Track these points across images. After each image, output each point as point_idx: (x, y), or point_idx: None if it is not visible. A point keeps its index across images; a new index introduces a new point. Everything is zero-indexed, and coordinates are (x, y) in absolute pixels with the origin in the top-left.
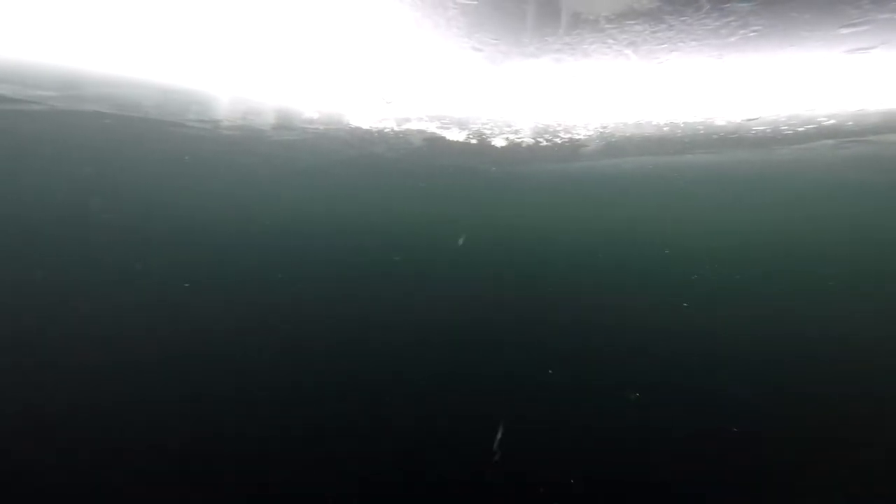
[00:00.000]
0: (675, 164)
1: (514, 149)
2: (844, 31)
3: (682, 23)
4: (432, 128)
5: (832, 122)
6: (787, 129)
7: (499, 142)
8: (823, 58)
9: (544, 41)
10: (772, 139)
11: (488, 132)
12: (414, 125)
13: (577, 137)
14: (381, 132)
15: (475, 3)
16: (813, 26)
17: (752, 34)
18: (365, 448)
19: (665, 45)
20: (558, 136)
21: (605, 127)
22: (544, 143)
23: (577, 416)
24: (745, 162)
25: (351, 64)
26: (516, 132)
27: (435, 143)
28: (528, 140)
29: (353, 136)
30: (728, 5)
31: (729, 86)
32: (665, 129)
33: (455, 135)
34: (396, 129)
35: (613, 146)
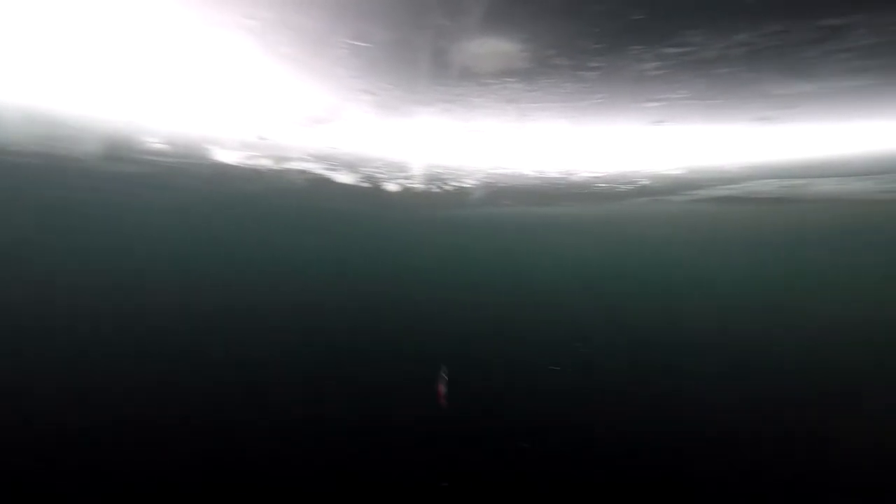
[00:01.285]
0: (541, 213)
1: (406, 195)
2: (650, 104)
3: (549, 84)
4: (318, 169)
5: (646, 182)
6: (619, 187)
7: (392, 186)
8: (638, 128)
9: (435, 90)
10: (609, 195)
11: (381, 176)
12: (295, 164)
13: (465, 186)
14: (255, 170)
15: (369, 45)
16: (631, 99)
17: (597, 101)
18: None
19: (536, 104)
20: (448, 184)
21: (489, 176)
22: (435, 189)
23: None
24: (591, 214)
25: (220, 95)
26: (409, 178)
27: (322, 185)
28: (420, 186)
29: (215, 173)
30: (581, 73)
31: (582, 145)
32: (535, 181)
33: (345, 177)
34: (275, 167)
35: (496, 195)
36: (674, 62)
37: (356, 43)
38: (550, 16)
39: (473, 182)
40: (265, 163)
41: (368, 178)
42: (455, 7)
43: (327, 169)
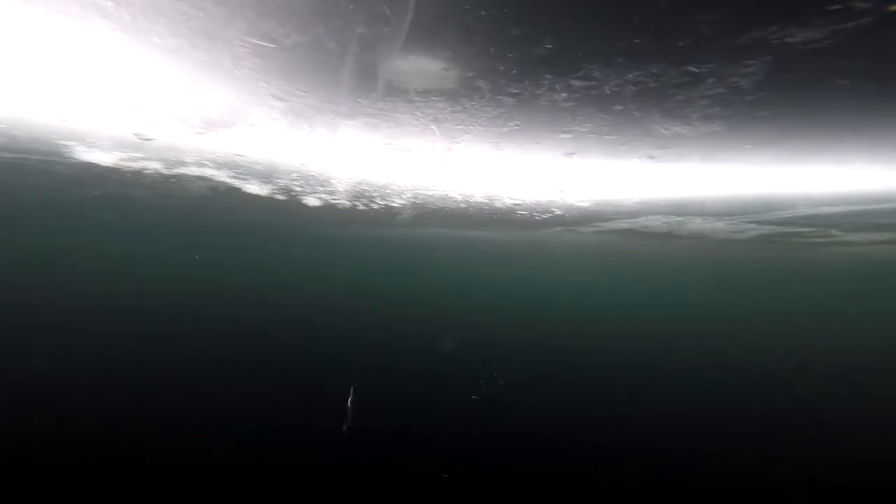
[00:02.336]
0: (468, 237)
1: (329, 210)
2: (563, 135)
3: (472, 107)
4: (221, 176)
5: (559, 212)
6: (537, 216)
7: (312, 201)
8: (552, 158)
9: (357, 103)
10: (528, 223)
11: (299, 189)
12: (192, 170)
13: (392, 205)
14: (137, 173)
15: (272, 46)
16: (546, 127)
17: (515, 127)
18: None
19: (461, 126)
20: (375, 202)
21: (416, 197)
22: (361, 207)
23: None
24: (514, 241)
25: (94, 91)
26: (331, 193)
27: (229, 195)
28: (344, 202)
29: (85, 174)
30: (500, 97)
31: (504, 172)
32: (461, 205)
33: (255, 188)
34: (165, 171)
35: (424, 217)
36: (579, 95)
37: (257, 42)
38: (469, 36)
39: (401, 202)
40: (153, 166)
41: (284, 189)
42: (371, 14)
43: (233, 178)
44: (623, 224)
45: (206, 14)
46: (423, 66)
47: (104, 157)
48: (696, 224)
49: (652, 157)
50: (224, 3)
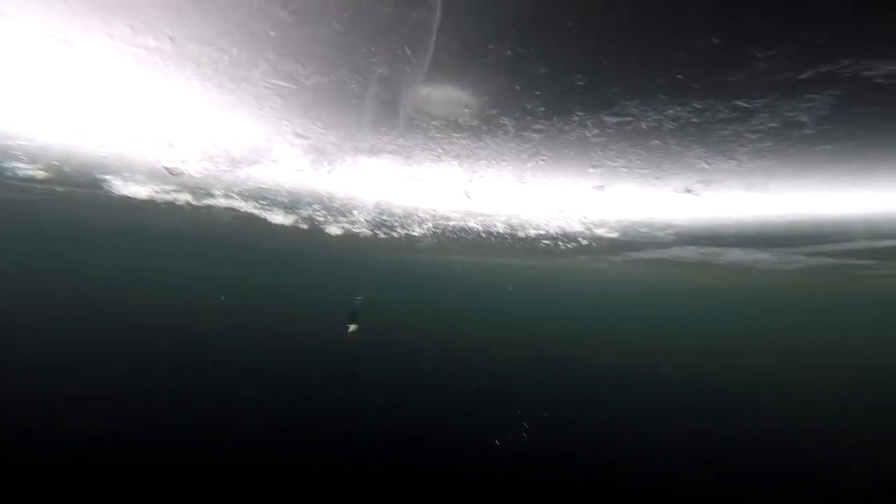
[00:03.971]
0: (486, 264)
1: (349, 238)
2: (592, 170)
3: (495, 143)
4: (248, 208)
5: (586, 242)
6: (562, 245)
7: (334, 230)
8: (582, 188)
9: (378, 140)
10: (552, 251)
11: (321, 219)
12: (221, 202)
13: (413, 234)
14: (171, 203)
15: (293, 87)
16: (574, 162)
17: (540, 162)
18: None
19: (483, 161)
20: (395, 231)
21: (436, 228)
22: (382, 235)
23: None
24: (534, 267)
25: (132, 128)
26: (352, 223)
27: (254, 224)
28: (365, 231)
29: (123, 204)
30: (526, 134)
31: (528, 202)
32: (483, 235)
33: (280, 218)
34: (194, 202)
35: (443, 246)
36: (613, 130)
37: (279, 83)
38: (493, 74)
39: (421, 231)
40: (184, 197)
41: (307, 219)
42: (391, 54)
43: (259, 208)
44: (653, 254)
45: (231, 58)
46: (444, 105)
47: (139, 190)
48: (736, 255)
49: (690, 191)
50: (246, 47)
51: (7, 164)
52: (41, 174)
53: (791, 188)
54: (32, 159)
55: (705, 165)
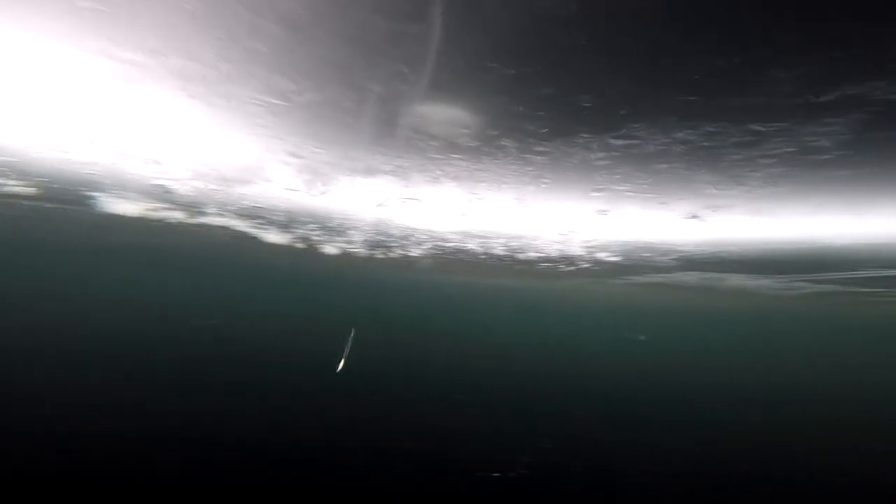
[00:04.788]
0: (485, 285)
1: (346, 258)
2: (594, 194)
3: (496, 165)
4: (242, 226)
5: (586, 265)
6: (562, 268)
7: (330, 249)
8: (583, 211)
9: (373, 159)
10: (552, 273)
11: (317, 239)
12: (214, 220)
13: (410, 255)
14: (161, 222)
15: (286, 104)
16: (576, 186)
17: (542, 185)
18: None
19: (483, 184)
20: (393, 251)
21: (435, 248)
22: (379, 255)
23: None
24: (533, 289)
25: (120, 145)
26: (349, 242)
27: (249, 242)
28: (362, 251)
29: (113, 222)
30: (527, 156)
31: (528, 224)
32: (482, 256)
33: (275, 237)
34: (188, 220)
35: (441, 266)
36: (619, 154)
37: (269, 100)
38: (494, 94)
39: (420, 252)
40: (176, 215)
41: (302, 238)
42: (388, 72)
43: (254, 227)
44: (655, 278)
45: (219, 73)
46: (442, 125)
47: (130, 208)
48: (739, 280)
49: (696, 217)
50: (234, 61)
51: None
52: (30, 190)
53: (801, 214)
54: (21, 176)
55: (714, 191)
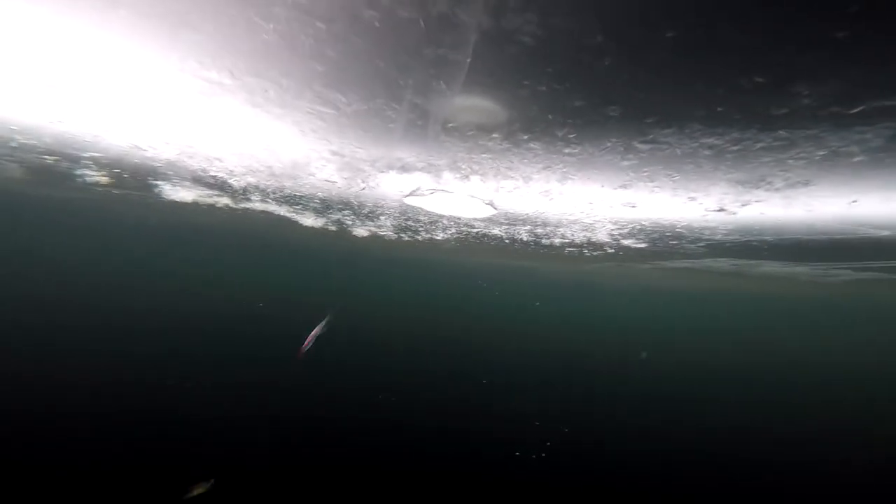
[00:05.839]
0: (509, 266)
1: (374, 239)
2: (622, 190)
3: (523, 164)
4: (283, 211)
5: (612, 250)
6: (587, 252)
7: (361, 232)
8: (611, 205)
9: (409, 159)
10: (577, 258)
11: (349, 223)
12: (258, 205)
13: (436, 238)
14: (211, 206)
15: (334, 112)
16: (602, 180)
17: (569, 181)
18: None
19: (510, 181)
20: (419, 235)
21: (459, 234)
22: (406, 238)
23: None
24: (559, 272)
25: (172, 134)
26: (379, 227)
27: (288, 225)
28: (390, 235)
29: (174, 207)
30: (554, 156)
31: (553, 214)
32: (506, 241)
33: (311, 221)
34: (233, 206)
35: (465, 248)
36: (646, 155)
37: (321, 108)
38: (526, 106)
39: (445, 236)
40: (224, 201)
41: (336, 222)
42: (424, 87)
43: (292, 212)
44: (683, 263)
45: (280, 87)
46: (473, 131)
47: (186, 195)
48: (772, 267)
49: (724, 210)
50: (296, 78)
51: (78, 172)
52: (104, 180)
53: (834, 208)
54: (100, 167)
55: (742, 189)
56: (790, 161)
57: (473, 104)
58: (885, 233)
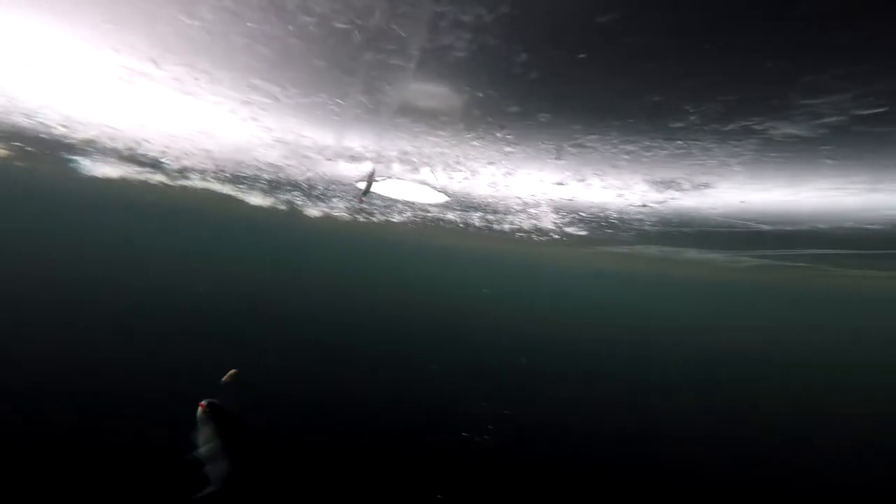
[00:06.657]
0: (466, 248)
1: (325, 220)
2: (560, 186)
3: (466, 157)
4: (227, 190)
5: (557, 236)
6: (535, 238)
7: (313, 212)
8: (551, 195)
9: (357, 149)
10: (528, 242)
11: (300, 203)
12: (197, 183)
13: (392, 221)
14: (147, 184)
15: (274, 103)
16: (541, 172)
17: (509, 176)
18: None
19: (458, 171)
20: (375, 217)
21: (415, 216)
22: (361, 220)
23: None
24: (511, 253)
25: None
26: (332, 208)
27: (229, 204)
28: (344, 216)
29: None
30: (497, 151)
31: (501, 203)
32: (461, 226)
33: (257, 200)
34: (171, 183)
35: (423, 231)
36: (575, 156)
37: (261, 99)
38: (469, 108)
39: (401, 219)
40: (160, 178)
41: (286, 202)
42: (368, 86)
43: (237, 191)
44: (620, 249)
45: (212, 78)
46: (421, 127)
47: (111, 171)
48: (693, 254)
49: (646, 206)
50: (228, 69)
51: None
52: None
53: (729, 207)
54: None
55: (658, 187)
56: (691, 167)
57: (419, 104)
58: (765, 227)
